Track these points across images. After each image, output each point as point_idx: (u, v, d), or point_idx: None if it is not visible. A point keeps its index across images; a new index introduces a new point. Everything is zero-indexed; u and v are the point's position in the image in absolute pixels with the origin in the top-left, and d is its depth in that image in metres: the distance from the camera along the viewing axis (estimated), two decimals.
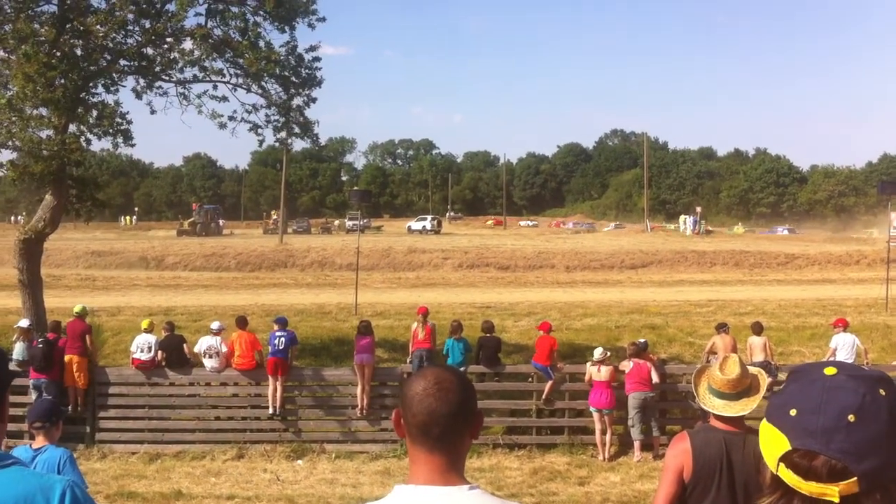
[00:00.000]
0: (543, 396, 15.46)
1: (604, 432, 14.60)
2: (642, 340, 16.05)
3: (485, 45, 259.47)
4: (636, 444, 14.57)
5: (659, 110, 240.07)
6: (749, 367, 4.32)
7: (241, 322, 16.11)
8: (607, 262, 44.58)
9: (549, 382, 15.38)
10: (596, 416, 14.65)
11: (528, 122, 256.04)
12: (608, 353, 15.07)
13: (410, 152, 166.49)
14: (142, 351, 15.57)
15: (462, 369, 15.48)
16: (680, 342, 20.47)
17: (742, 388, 4.16)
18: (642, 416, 14.54)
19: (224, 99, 19.11)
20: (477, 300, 28.57)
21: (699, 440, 4.19)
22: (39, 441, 5.94)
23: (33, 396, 14.90)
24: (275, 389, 15.28)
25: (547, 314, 23.21)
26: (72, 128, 17.74)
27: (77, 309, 16.43)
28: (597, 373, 14.60)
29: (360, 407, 15.35)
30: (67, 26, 17.42)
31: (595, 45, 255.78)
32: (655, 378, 14.64)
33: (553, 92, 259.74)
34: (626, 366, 14.70)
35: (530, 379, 15.91)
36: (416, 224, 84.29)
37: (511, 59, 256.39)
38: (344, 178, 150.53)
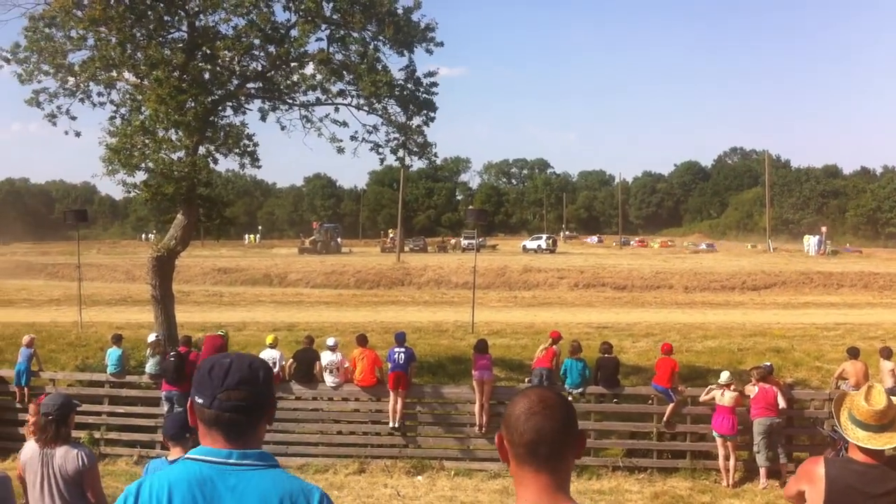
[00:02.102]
0: (665, 419, 15.14)
1: (727, 458, 14.20)
2: (768, 364, 15.55)
3: (599, 64, 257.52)
4: (762, 471, 14.11)
5: (780, 128, 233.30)
6: (894, 398, 4.10)
7: (362, 339, 16.41)
8: (728, 283, 43.45)
9: (671, 405, 15.06)
10: (719, 441, 14.25)
11: (644, 141, 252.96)
12: (733, 378, 14.65)
13: (525, 171, 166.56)
14: None
15: (580, 390, 15.41)
16: (806, 366, 19.79)
17: (887, 419, 3.94)
18: (768, 443, 14.07)
19: (344, 123, 19.66)
20: (594, 320, 28.32)
21: (835, 469, 4.01)
22: (175, 453, 6.10)
23: (165, 408, 15.55)
24: (395, 404, 15.48)
25: (666, 335, 22.82)
26: (201, 149, 18.47)
27: (220, 332, 17.03)
28: (720, 397, 14.22)
29: (478, 424, 15.39)
30: (197, 52, 18.20)
31: (712, 61, 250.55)
32: (782, 403, 14.16)
33: (669, 110, 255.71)
34: (752, 390, 14.26)
35: (651, 401, 15.62)
36: (530, 243, 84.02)
37: (625, 77, 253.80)
38: (459, 197, 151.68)
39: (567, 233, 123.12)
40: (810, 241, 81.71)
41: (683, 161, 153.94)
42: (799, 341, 22.80)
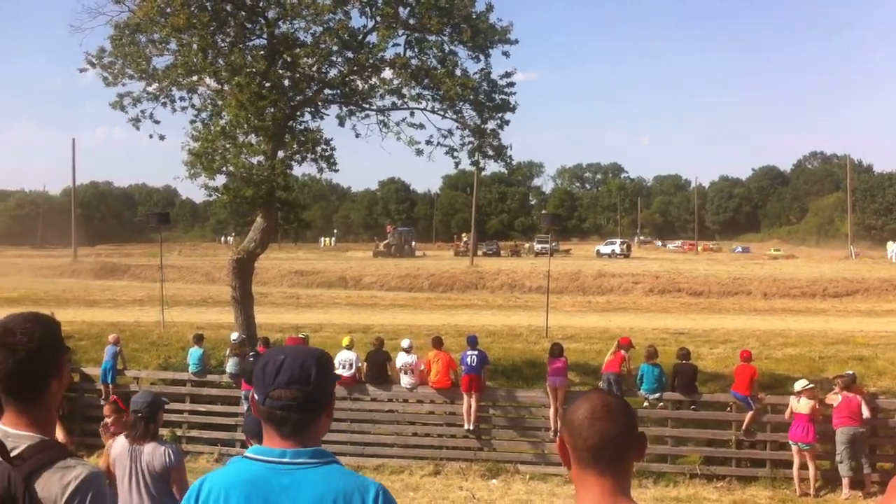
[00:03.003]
0: (744, 427, 14.87)
1: (802, 467, 13.86)
2: (851, 372, 15.17)
3: (673, 67, 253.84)
4: (845, 482, 13.73)
5: (863, 131, 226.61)
6: None
7: (437, 342, 16.52)
8: (808, 290, 42.41)
9: (750, 413, 14.78)
10: (794, 449, 13.93)
11: (720, 145, 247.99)
12: (811, 385, 14.29)
13: (598, 176, 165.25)
14: (343, 367, 16.16)
15: (657, 395, 15.26)
16: (890, 375, 19.20)
17: None
18: (851, 452, 13.70)
19: (421, 126, 19.78)
20: (669, 326, 27.94)
21: None
22: None
23: (244, 407, 15.87)
24: (469, 406, 15.53)
25: (745, 342, 22.40)
26: (279, 154, 18.78)
27: (301, 334, 17.31)
28: (796, 404, 13.90)
29: (553, 429, 15.33)
30: (277, 59, 18.54)
31: (791, 63, 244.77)
32: (866, 413, 13.78)
33: (746, 113, 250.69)
34: (835, 399, 13.92)
35: (729, 408, 15.38)
36: (604, 248, 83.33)
37: (700, 80, 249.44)
38: (532, 202, 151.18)
39: (641, 238, 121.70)
40: (894, 248, 79.23)
41: (762, 165, 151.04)
42: (883, 350, 22.13)
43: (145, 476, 6.32)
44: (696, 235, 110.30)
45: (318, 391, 2.47)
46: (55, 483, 2.44)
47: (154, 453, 6.33)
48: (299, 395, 2.42)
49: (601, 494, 2.20)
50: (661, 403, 15.47)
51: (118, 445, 6.50)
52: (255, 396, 2.50)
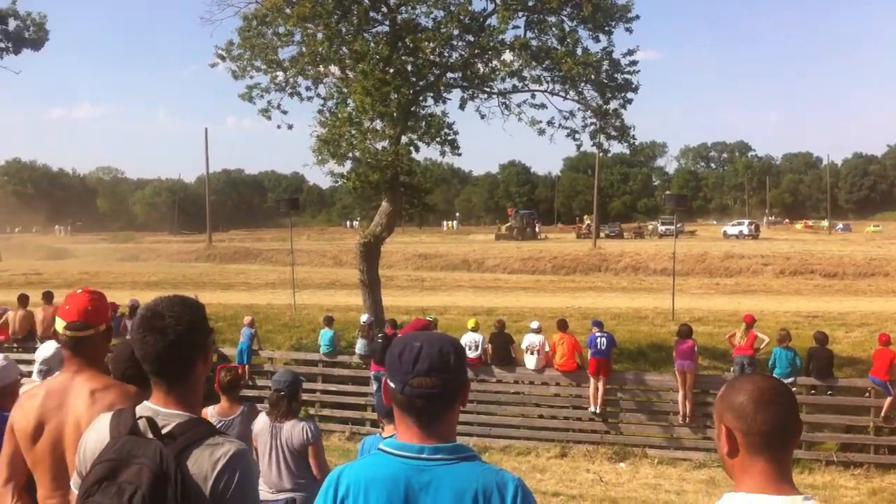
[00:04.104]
0: (883, 413, 14.30)
1: None
2: None
3: (801, 41, 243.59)
4: None
5: None
6: None
7: (562, 324, 16.48)
8: None
9: (889, 399, 14.20)
10: None
11: (853, 121, 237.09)
12: None
13: (724, 155, 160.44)
14: (469, 349, 16.30)
15: (790, 380, 14.80)
16: None
17: None
18: None
19: (542, 106, 19.67)
20: (802, 309, 26.99)
21: None
22: (388, 430, 6.37)
23: (374, 388, 16.24)
24: (596, 390, 15.45)
25: (883, 325, 21.44)
26: (403, 139, 19.04)
27: (430, 317, 17.55)
28: None
29: (682, 414, 15.11)
30: (399, 44, 18.77)
31: None
32: None
33: (883, 86, 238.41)
34: None
35: (867, 394, 14.82)
36: (731, 229, 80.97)
37: (832, 53, 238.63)
38: (655, 183, 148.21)
39: (770, 218, 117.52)
40: None
41: None
42: None
43: (285, 452, 6.57)
44: (828, 215, 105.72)
45: (458, 377, 2.43)
46: (205, 460, 2.49)
47: (293, 430, 6.57)
48: (440, 384, 2.37)
49: (765, 479, 2.18)
50: (795, 388, 15.03)
51: (260, 422, 6.77)
52: (390, 384, 2.43)
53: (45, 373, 4.52)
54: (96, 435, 2.70)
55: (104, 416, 2.76)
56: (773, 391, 2.22)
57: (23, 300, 18.80)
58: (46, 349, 4.67)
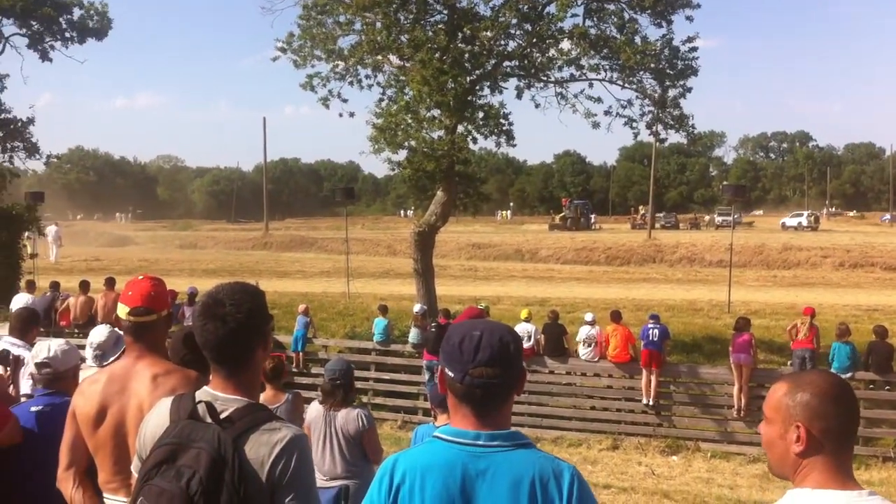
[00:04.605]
0: None
1: None
2: None
3: (865, 29, 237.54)
4: None
5: None
6: None
7: (616, 316, 16.40)
8: None
9: None
10: None
11: None
12: None
13: (784, 145, 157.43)
14: (522, 339, 16.28)
15: (848, 375, 14.54)
16: None
17: None
18: None
19: (598, 100, 19.58)
20: (862, 302, 26.41)
21: None
22: (442, 419, 6.40)
23: (426, 377, 16.34)
24: (648, 382, 15.36)
25: None
26: (459, 128, 19.04)
27: (482, 305, 17.59)
28: None
29: (737, 407, 14.95)
30: (457, 33, 18.76)
31: None
32: None
33: None
34: None
35: None
36: (790, 220, 79.46)
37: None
38: (713, 173, 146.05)
39: (831, 209, 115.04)
40: None
41: None
42: None
43: (339, 439, 6.63)
44: (890, 207, 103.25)
45: (515, 368, 2.43)
46: (262, 444, 2.52)
47: (347, 417, 6.63)
48: (500, 373, 2.36)
49: (827, 476, 2.18)
50: (853, 383, 14.76)
51: (313, 410, 6.84)
52: (449, 373, 2.42)
53: (100, 357, 4.62)
54: (157, 419, 2.75)
55: (165, 401, 2.80)
56: (839, 387, 2.23)
57: (84, 286, 19.22)
58: (99, 333, 4.77)
